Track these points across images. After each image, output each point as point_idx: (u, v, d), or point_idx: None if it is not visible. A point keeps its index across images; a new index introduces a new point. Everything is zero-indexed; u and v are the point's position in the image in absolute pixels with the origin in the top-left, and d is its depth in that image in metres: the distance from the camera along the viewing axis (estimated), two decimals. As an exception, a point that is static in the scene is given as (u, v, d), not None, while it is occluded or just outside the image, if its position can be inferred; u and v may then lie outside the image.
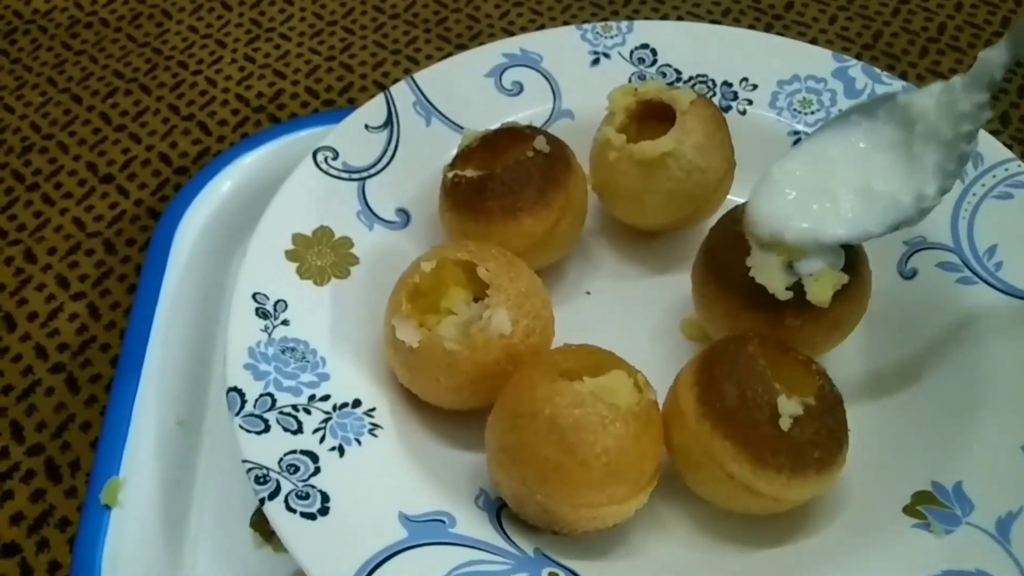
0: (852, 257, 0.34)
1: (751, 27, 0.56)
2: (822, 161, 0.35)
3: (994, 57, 0.31)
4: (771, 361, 0.31)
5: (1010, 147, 0.43)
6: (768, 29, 0.57)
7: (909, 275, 0.39)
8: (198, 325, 0.41)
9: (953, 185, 0.33)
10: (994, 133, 0.42)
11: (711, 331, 0.37)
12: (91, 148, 0.53)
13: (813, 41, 0.55)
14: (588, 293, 0.41)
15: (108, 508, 0.34)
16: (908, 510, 0.31)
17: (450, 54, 0.54)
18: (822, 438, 0.30)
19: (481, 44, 0.48)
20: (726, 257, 0.35)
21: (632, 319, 0.40)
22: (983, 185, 0.39)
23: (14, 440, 0.40)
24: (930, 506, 0.31)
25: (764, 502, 0.31)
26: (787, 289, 0.33)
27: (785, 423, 0.29)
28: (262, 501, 0.31)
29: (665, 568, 0.32)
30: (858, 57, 0.53)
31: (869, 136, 0.34)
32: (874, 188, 0.33)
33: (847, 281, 0.33)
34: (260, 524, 0.36)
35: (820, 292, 0.33)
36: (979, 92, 0.32)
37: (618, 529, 0.32)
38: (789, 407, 0.30)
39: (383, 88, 0.45)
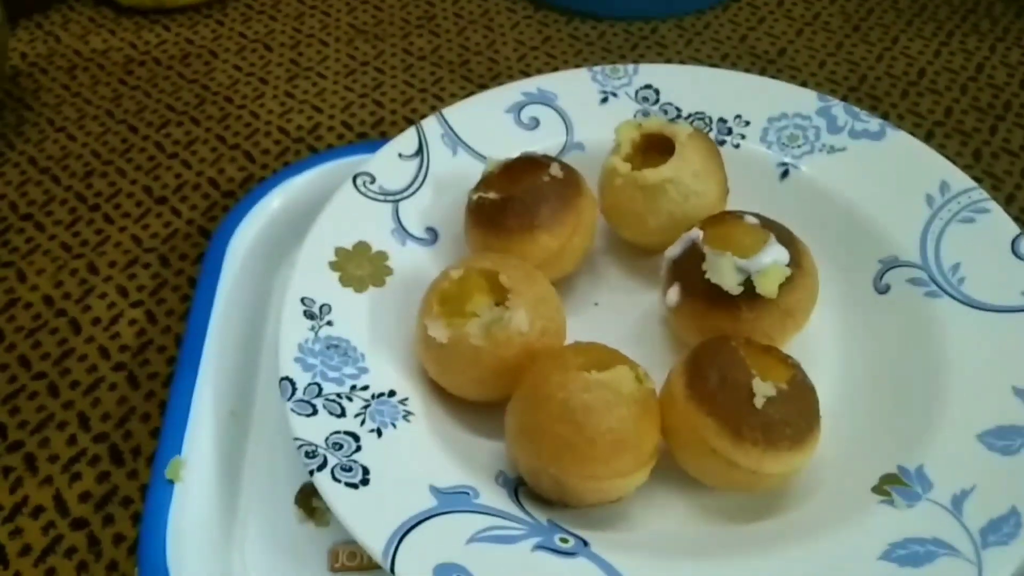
0: (795, 254, 0.39)
1: (747, 71, 0.62)
2: None
3: None
4: (752, 356, 0.36)
5: (980, 180, 0.48)
6: (762, 73, 0.62)
7: (883, 290, 0.43)
8: (247, 328, 0.46)
9: None
10: (965, 168, 0.47)
11: (684, 337, 0.42)
12: (147, 173, 0.58)
13: (803, 84, 0.61)
14: (596, 304, 0.46)
15: (172, 483, 0.39)
16: (876, 489, 0.35)
17: (472, 92, 0.60)
18: (793, 417, 0.35)
19: (501, 84, 0.53)
20: (685, 266, 0.40)
21: (634, 326, 0.44)
22: (949, 211, 0.44)
23: (81, 428, 0.45)
24: (895, 485, 0.35)
25: (744, 475, 0.35)
26: (739, 285, 0.38)
27: (759, 402, 0.34)
28: (311, 472, 0.35)
29: (660, 539, 0.36)
30: (844, 98, 0.58)
31: None
32: None
33: (791, 274, 0.38)
34: (304, 502, 0.40)
35: (767, 284, 0.38)
36: None
37: (621, 505, 0.37)
38: (763, 388, 0.34)
39: (412, 122, 0.50)
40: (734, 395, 0.34)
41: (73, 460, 0.43)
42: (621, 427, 0.34)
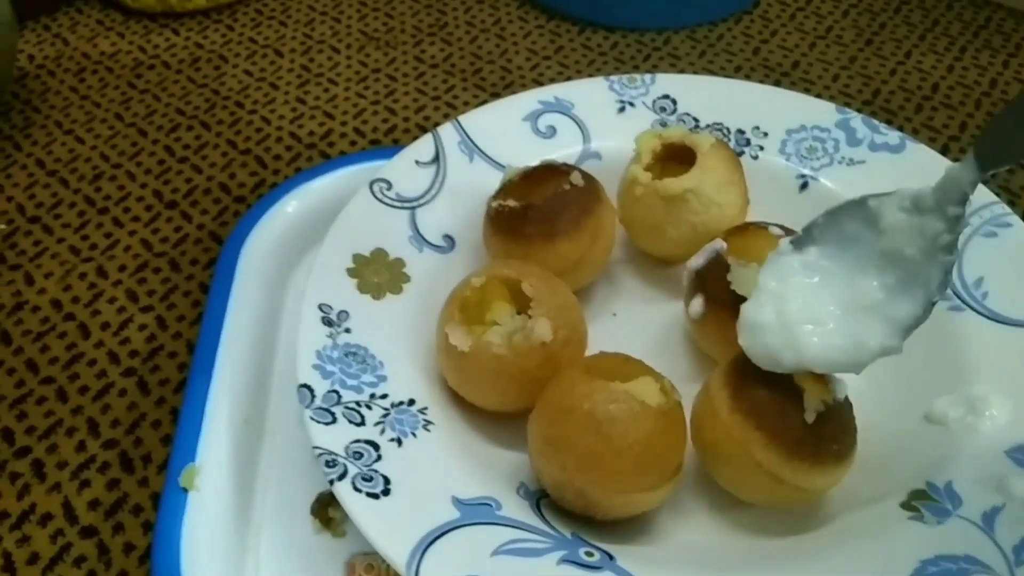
0: None
1: (761, 83, 0.61)
2: (793, 285, 0.34)
3: (962, 174, 0.31)
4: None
5: (997, 194, 0.48)
6: (776, 85, 0.62)
7: (905, 303, 0.43)
8: (261, 334, 0.45)
9: (942, 295, 0.32)
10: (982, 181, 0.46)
11: (707, 348, 0.42)
12: (156, 177, 0.57)
13: (817, 96, 0.60)
14: (614, 314, 0.46)
15: (186, 492, 0.38)
16: (905, 505, 0.35)
17: (485, 101, 0.60)
18: (839, 432, 0.34)
19: (513, 92, 0.53)
20: (709, 277, 0.40)
21: (653, 336, 0.44)
22: (971, 225, 0.44)
23: (91, 435, 0.44)
24: (924, 501, 0.35)
25: (787, 491, 0.34)
26: None
27: (810, 417, 0.33)
28: (332, 482, 0.34)
29: (687, 553, 0.35)
30: (859, 111, 0.58)
31: (838, 251, 0.34)
32: (844, 314, 0.33)
33: None
34: (320, 512, 0.39)
35: None
36: (951, 206, 0.31)
37: (645, 518, 0.36)
38: (813, 403, 0.34)
39: (425, 130, 0.50)
40: (784, 410, 0.34)
41: (82, 467, 0.43)
42: (648, 440, 0.33)
